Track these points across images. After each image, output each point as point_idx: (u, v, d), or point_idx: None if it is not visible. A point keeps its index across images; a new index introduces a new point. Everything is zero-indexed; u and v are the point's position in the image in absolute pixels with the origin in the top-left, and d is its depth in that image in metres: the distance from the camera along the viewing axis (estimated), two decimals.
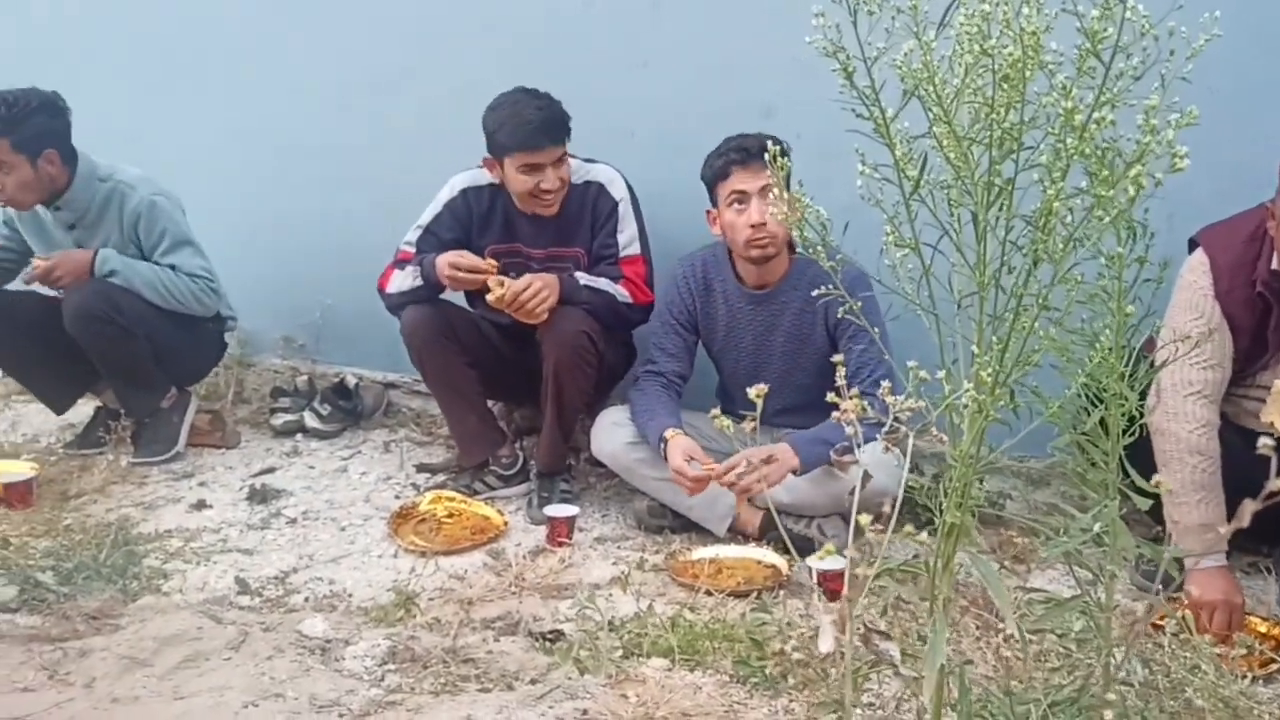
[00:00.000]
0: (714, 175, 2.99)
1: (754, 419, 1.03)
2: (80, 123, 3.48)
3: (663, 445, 2.91)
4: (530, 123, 3.08)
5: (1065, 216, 0.98)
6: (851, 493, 0.99)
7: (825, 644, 0.83)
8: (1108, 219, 0.98)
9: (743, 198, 2.93)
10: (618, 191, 3.27)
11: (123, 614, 2.57)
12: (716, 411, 1.14)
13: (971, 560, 1.02)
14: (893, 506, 1.09)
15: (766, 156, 1.28)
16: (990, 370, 1.01)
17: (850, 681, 0.85)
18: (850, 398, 0.93)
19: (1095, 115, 0.96)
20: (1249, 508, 1.04)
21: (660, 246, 3.30)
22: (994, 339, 1.05)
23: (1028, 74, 0.99)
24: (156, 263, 3.48)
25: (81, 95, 3.66)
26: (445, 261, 3.13)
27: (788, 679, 2.00)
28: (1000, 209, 1.04)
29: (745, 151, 2.92)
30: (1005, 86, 0.99)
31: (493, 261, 3.15)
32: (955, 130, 1.06)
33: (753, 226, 2.92)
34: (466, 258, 3.13)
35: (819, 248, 1.12)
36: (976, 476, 1.07)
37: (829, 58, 1.05)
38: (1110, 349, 1.20)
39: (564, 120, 3.14)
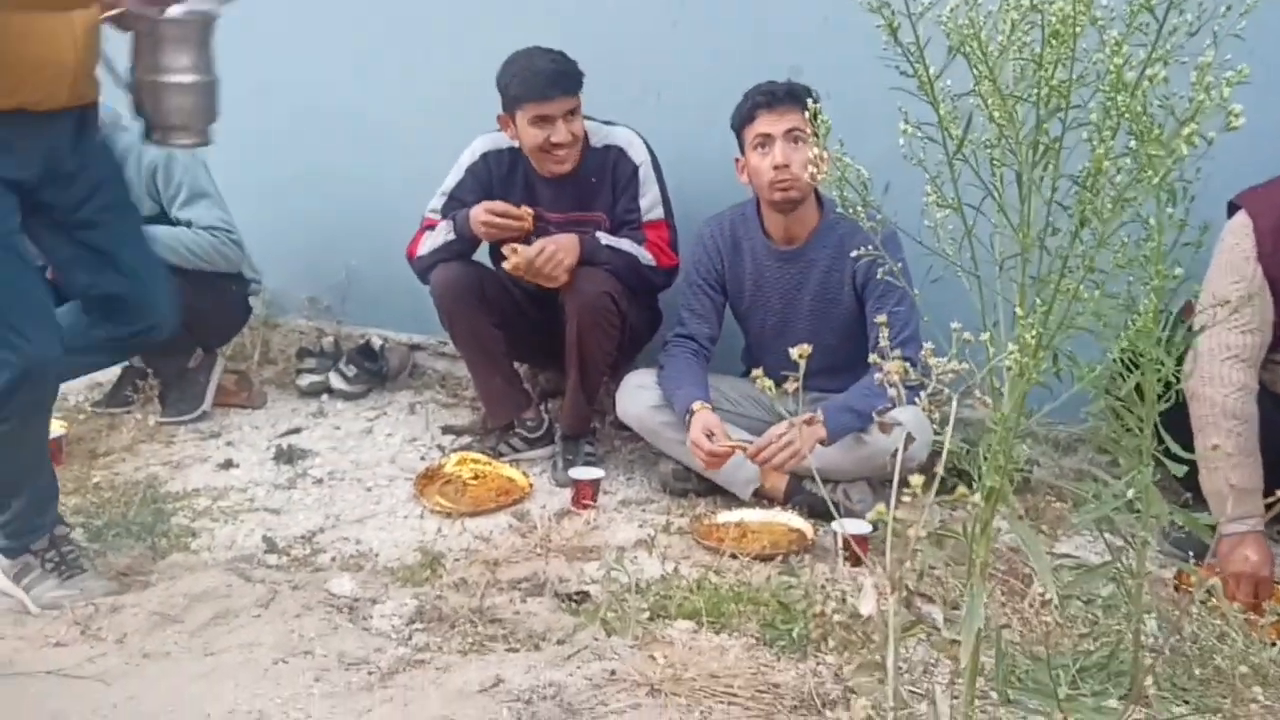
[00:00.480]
0: (741, 120, 2.98)
1: (796, 379, 1.02)
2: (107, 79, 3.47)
3: (688, 417, 2.91)
4: (541, 73, 3.08)
5: (1115, 176, 0.96)
6: (893, 455, 0.98)
7: (867, 606, 0.83)
8: (1158, 179, 0.96)
9: (766, 140, 2.91)
10: (638, 155, 3.24)
11: (152, 571, 2.61)
12: (759, 372, 1.13)
13: (1011, 525, 1.01)
14: (930, 469, 1.08)
15: (806, 114, 1.26)
16: (1034, 333, 0.99)
17: (894, 644, 0.84)
18: (893, 359, 0.92)
19: (1148, 73, 0.94)
20: None
21: (687, 209, 3.28)
22: (1037, 301, 1.03)
23: (1077, 30, 0.97)
24: (175, 218, 3.45)
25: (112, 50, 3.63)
26: (480, 210, 3.13)
27: (825, 641, 2.00)
28: (1046, 169, 1.02)
29: (771, 95, 2.92)
30: (1054, 43, 0.97)
31: (528, 210, 3.15)
32: (1000, 89, 1.04)
33: (776, 168, 2.90)
34: (500, 205, 3.13)
35: (859, 208, 1.11)
36: (1016, 440, 1.06)
37: (873, 13, 1.03)
38: (1150, 314, 1.18)
39: (575, 73, 3.12)
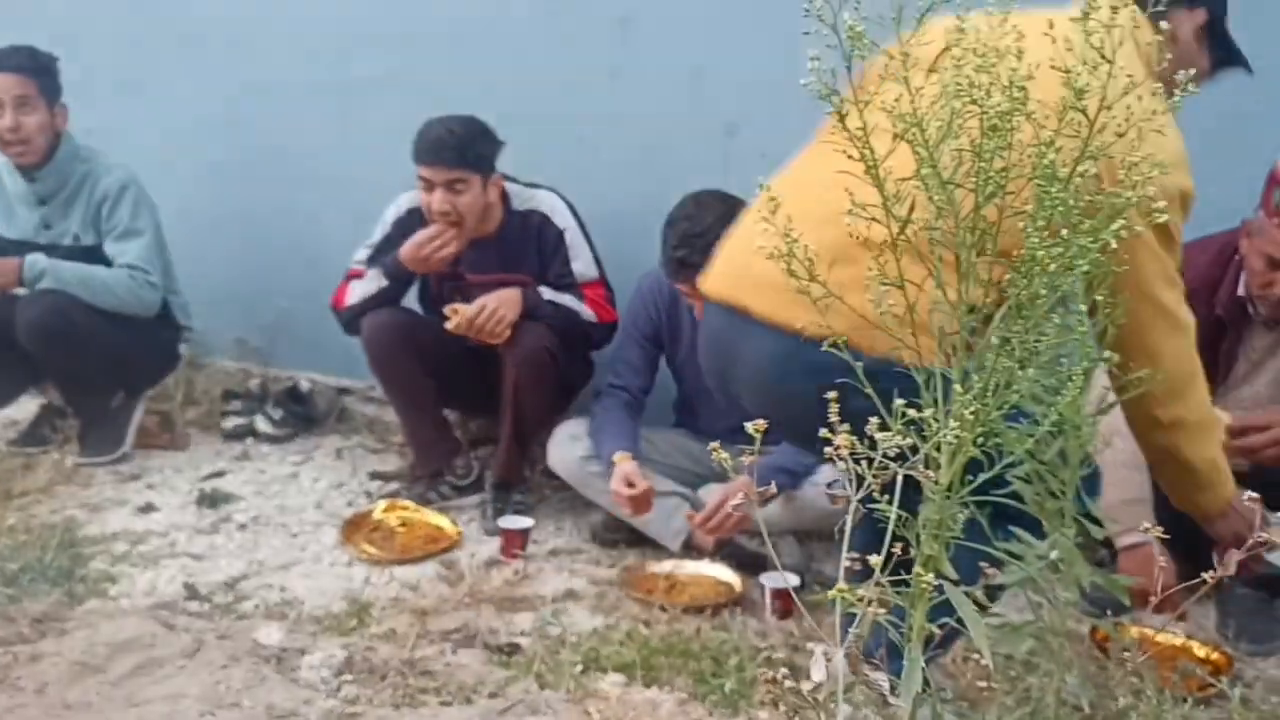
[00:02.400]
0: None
1: (754, 452, 1.06)
2: None
3: (609, 468, 2.94)
4: (429, 139, 3.10)
5: (1049, 265, 1.01)
6: (838, 529, 1.02)
7: (817, 673, 0.86)
8: (1086, 266, 1.02)
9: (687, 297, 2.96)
10: (561, 220, 3.27)
11: (69, 618, 2.54)
12: (716, 445, 1.16)
13: (948, 592, 1.05)
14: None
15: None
16: (972, 409, 1.04)
17: (843, 712, 0.87)
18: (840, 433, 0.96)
19: (1079, 169, 1.00)
20: (1234, 558, 1.10)
21: (622, 260, 3.31)
22: (975, 378, 1.08)
23: (1013, 124, 1.03)
24: (107, 251, 3.45)
25: None
26: (409, 246, 3.14)
27: (767, 701, 2.03)
28: (982, 252, 1.08)
29: (687, 266, 2.80)
30: (992, 135, 1.03)
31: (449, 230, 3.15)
32: (940, 174, 1.10)
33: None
34: (425, 232, 3.14)
35: (804, 282, 1.15)
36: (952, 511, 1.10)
37: (823, 100, 1.08)
38: (1077, 390, 1.24)
39: (469, 149, 3.10)
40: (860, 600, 0.86)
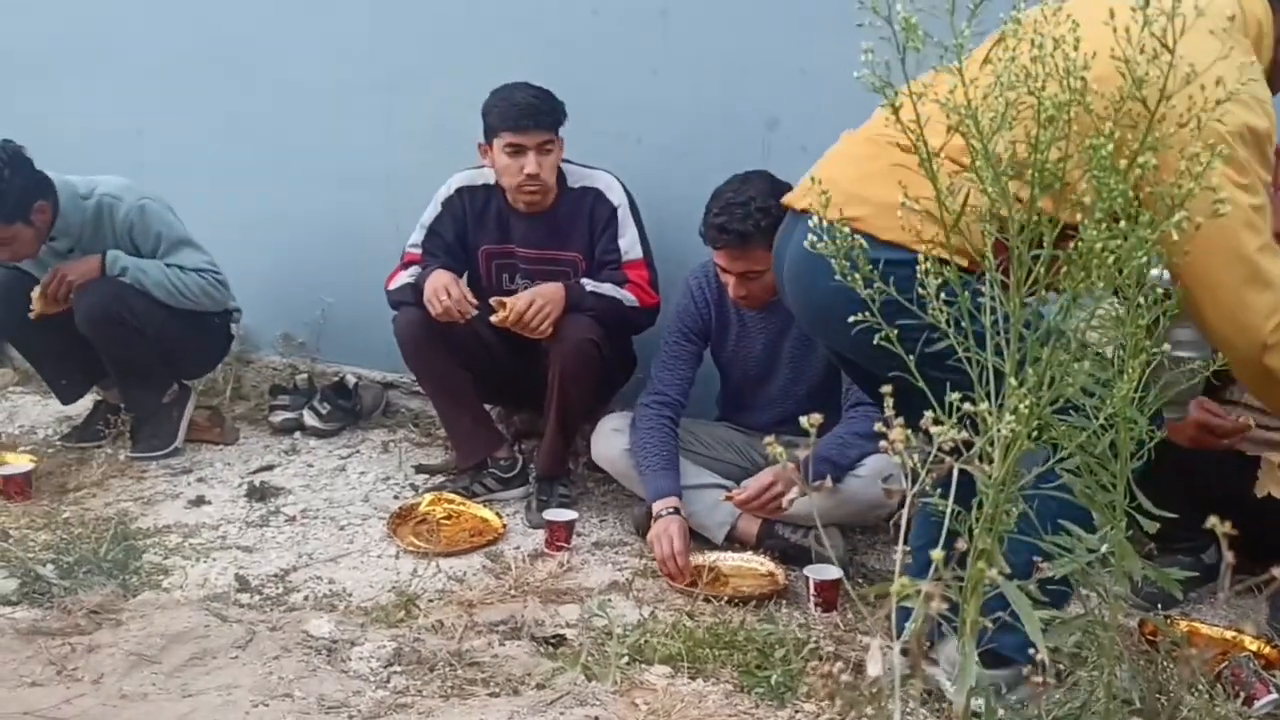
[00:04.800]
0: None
1: (809, 445, 1.05)
2: (85, 118, 3.48)
3: (654, 519, 2.90)
4: (518, 105, 3.14)
5: (1108, 257, 1.00)
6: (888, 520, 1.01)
7: (874, 668, 0.86)
8: (1145, 258, 1.01)
9: (723, 274, 2.97)
10: (615, 198, 3.29)
11: (123, 609, 2.58)
12: (771, 440, 1.16)
13: (1003, 586, 1.05)
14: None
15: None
16: (1028, 402, 1.04)
17: (900, 707, 0.88)
18: (896, 427, 0.95)
19: (1139, 160, 0.99)
20: None
21: (666, 252, 3.32)
22: (1030, 371, 1.08)
23: (1070, 114, 1.02)
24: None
25: (88, 90, 3.65)
26: (438, 285, 3.12)
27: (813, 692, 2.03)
28: (1039, 244, 1.07)
29: (725, 233, 2.86)
30: (1049, 126, 1.02)
31: (474, 308, 3.13)
32: (993, 165, 1.09)
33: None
34: (456, 288, 3.12)
35: (857, 278, 1.15)
36: (1008, 504, 1.10)
37: (876, 93, 1.08)
38: (1132, 382, 1.23)
39: (553, 110, 3.17)
40: (921, 595, 0.86)
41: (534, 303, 3.06)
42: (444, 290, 3.10)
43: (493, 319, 3.09)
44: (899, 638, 0.87)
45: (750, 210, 2.81)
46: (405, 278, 3.28)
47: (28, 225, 3.32)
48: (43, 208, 3.34)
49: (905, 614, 1.02)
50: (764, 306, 3.04)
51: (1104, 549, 1.57)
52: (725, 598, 2.71)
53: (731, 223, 2.82)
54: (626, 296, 3.20)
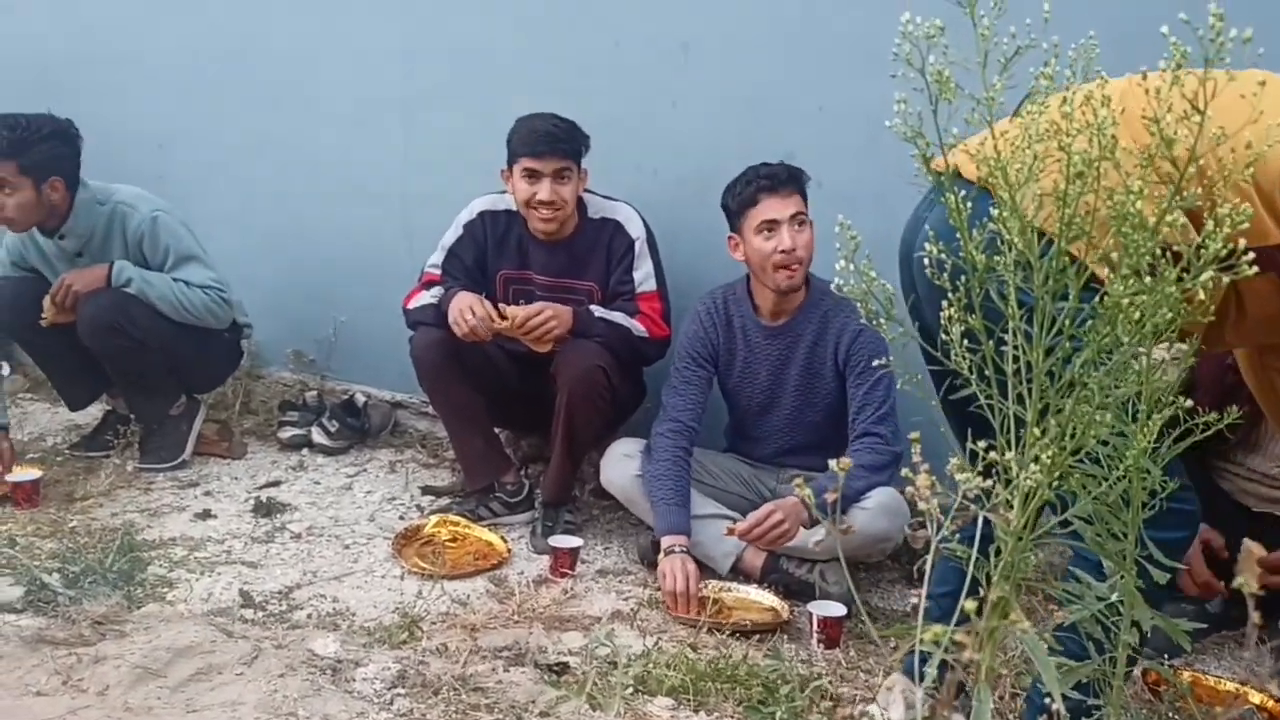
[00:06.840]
0: (741, 202, 3.02)
1: (836, 490, 1.06)
2: (108, 130, 3.50)
3: (664, 555, 2.90)
4: (537, 131, 3.18)
5: (1134, 312, 1.02)
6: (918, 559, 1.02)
7: (895, 712, 0.86)
8: (1169, 314, 1.02)
9: (773, 225, 2.96)
10: (634, 230, 3.31)
11: (128, 621, 2.58)
12: (800, 480, 1.17)
13: (1022, 639, 1.06)
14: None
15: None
16: (1050, 453, 1.05)
17: None
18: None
19: (1167, 219, 1.01)
20: None
21: (680, 284, 3.34)
22: (1052, 421, 1.09)
23: (1099, 170, 1.03)
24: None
25: (112, 102, 3.67)
26: (463, 304, 3.13)
27: None
28: (1062, 299, 1.09)
29: (774, 178, 2.98)
30: (1077, 181, 1.04)
31: (505, 316, 3.15)
32: (1021, 216, 1.11)
33: (783, 252, 2.95)
34: (481, 307, 3.12)
35: (882, 321, 1.16)
36: (1026, 553, 1.11)
37: (908, 142, 1.09)
38: (1152, 436, 1.24)
39: (574, 138, 3.21)
40: (946, 642, 0.86)
41: (542, 312, 3.09)
42: (469, 310, 3.11)
43: (494, 325, 3.10)
44: (920, 682, 0.88)
45: (771, 169, 3.01)
46: (427, 298, 3.28)
47: (35, 189, 3.33)
48: (56, 184, 3.37)
49: (918, 656, 1.03)
50: (776, 324, 3.11)
51: (1114, 597, 1.58)
52: (728, 630, 2.71)
53: (772, 170, 3.00)
54: (636, 326, 3.21)
